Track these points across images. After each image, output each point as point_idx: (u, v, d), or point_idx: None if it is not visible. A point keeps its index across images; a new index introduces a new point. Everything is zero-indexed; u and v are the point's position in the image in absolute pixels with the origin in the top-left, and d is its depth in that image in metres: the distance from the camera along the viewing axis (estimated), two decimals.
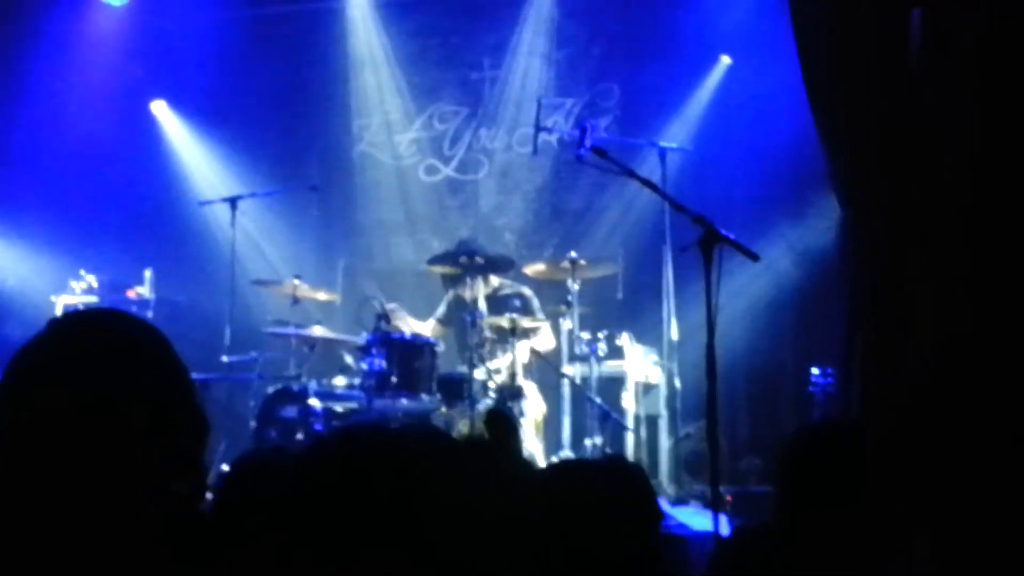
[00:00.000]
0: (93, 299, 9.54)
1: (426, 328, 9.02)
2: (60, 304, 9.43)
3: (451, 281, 9.13)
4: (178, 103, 11.33)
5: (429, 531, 1.52)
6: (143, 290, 9.84)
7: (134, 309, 9.53)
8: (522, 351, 8.38)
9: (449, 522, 1.54)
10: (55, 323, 1.99)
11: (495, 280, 9.03)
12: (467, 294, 8.85)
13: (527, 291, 9.03)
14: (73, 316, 2.03)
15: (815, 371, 7.77)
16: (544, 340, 8.82)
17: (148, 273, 9.88)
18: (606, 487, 2.63)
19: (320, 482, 1.51)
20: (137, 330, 2.01)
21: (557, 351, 8.79)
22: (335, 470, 1.53)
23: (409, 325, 8.83)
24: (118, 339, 1.96)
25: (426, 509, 1.53)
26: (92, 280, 9.69)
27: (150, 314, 9.61)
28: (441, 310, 9.26)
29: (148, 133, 11.24)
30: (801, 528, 2.78)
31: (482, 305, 8.68)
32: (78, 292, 9.61)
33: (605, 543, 2.48)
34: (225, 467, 7.93)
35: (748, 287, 9.10)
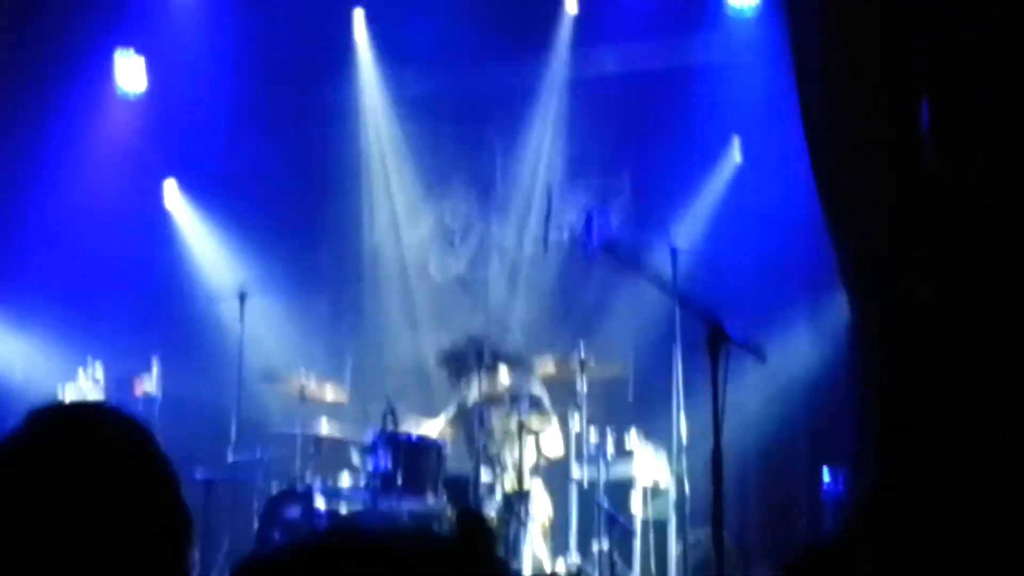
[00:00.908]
0: (100, 397, 9.47)
1: (435, 427, 8.92)
2: (68, 394, 9.36)
3: (458, 377, 9.05)
4: (190, 187, 11.33)
5: None
6: (149, 387, 9.74)
7: (141, 408, 9.48)
8: (530, 453, 8.27)
9: None
10: (30, 417, 1.93)
11: (504, 378, 8.93)
12: (475, 392, 8.75)
13: (537, 390, 8.93)
14: (50, 410, 1.96)
15: (827, 477, 7.64)
16: (553, 445, 8.70)
17: (155, 361, 9.77)
18: None
19: None
20: (116, 424, 1.95)
21: (566, 455, 8.67)
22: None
23: (419, 425, 8.75)
24: (95, 434, 1.91)
25: None
26: (99, 370, 9.61)
27: (156, 412, 9.56)
28: (451, 410, 9.17)
29: (159, 221, 11.23)
30: None
31: (490, 404, 8.57)
32: (85, 386, 9.53)
33: None
34: None
35: (760, 384, 9.00)
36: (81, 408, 2.06)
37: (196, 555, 8.15)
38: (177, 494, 1.94)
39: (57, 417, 1.95)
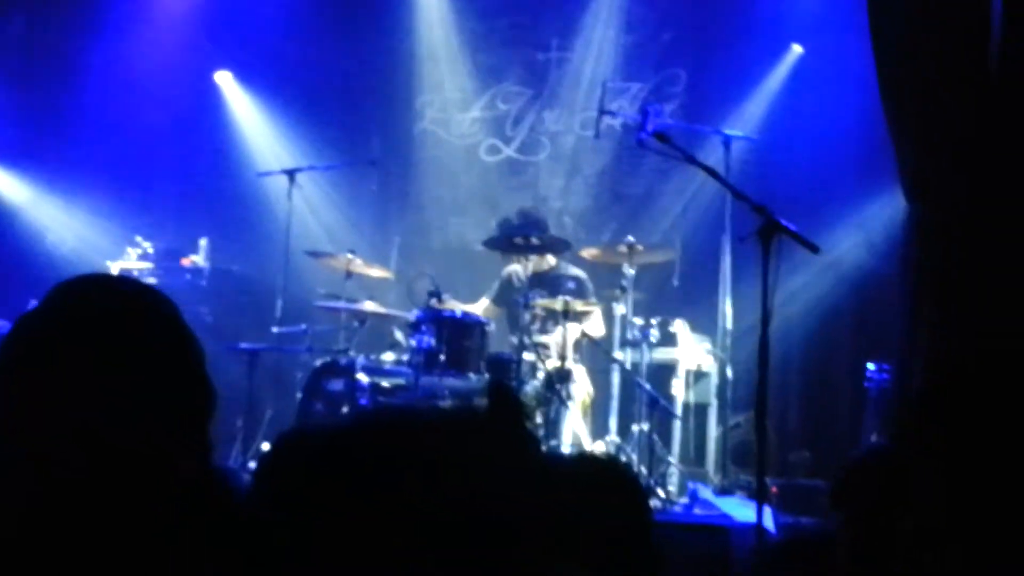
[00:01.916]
0: (148, 265, 9.60)
1: (478, 308, 8.95)
2: (116, 269, 9.47)
3: (505, 257, 9.07)
4: (242, 74, 11.31)
5: (473, 517, 1.47)
6: (198, 259, 9.87)
7: (188, 278, 9.59)
8: (572, 333, 8.27)
9: (492, 510, 1.49)
10: (56, 289, 1.92)
11: (550, 260, 8.93)
12: (521, 272, 8.75)
13: (582, 274, 8.91)
14: (75, 281, 1.96)
15: (871, 366, 7.64)
16: (595, 326, 8.71)
17: (203, 242, 9.93)
18: (601, 486, 2.55)
19: (351, 471, 1.45)
20: (140, 294, 1.95)
21: (609, 336, 8.69)
22: (369, 459, 1.46)
23: (459, 307, 8.78)
24: (119, 303, 1.91)
25: (468, 496, 1.47)
26: (148, 247, 9.75)
27: (204, 283, 9.66)
28: (494, 289, 9.19)
29: (211, 104, 11.23)
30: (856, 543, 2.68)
31: (535, 285, 8.58)
32: (134, 258, 9.66)
33: (599, 540, 2.41)
34: (266, 445, 7.94)
35: (807, 280, 8.97)
36: (105, 279, 2.01)
37: (240, 422, 8.29)
38: (199, 364, 1.92)
39: (82, 288, 1.95)
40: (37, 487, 1.77)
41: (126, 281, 2.01)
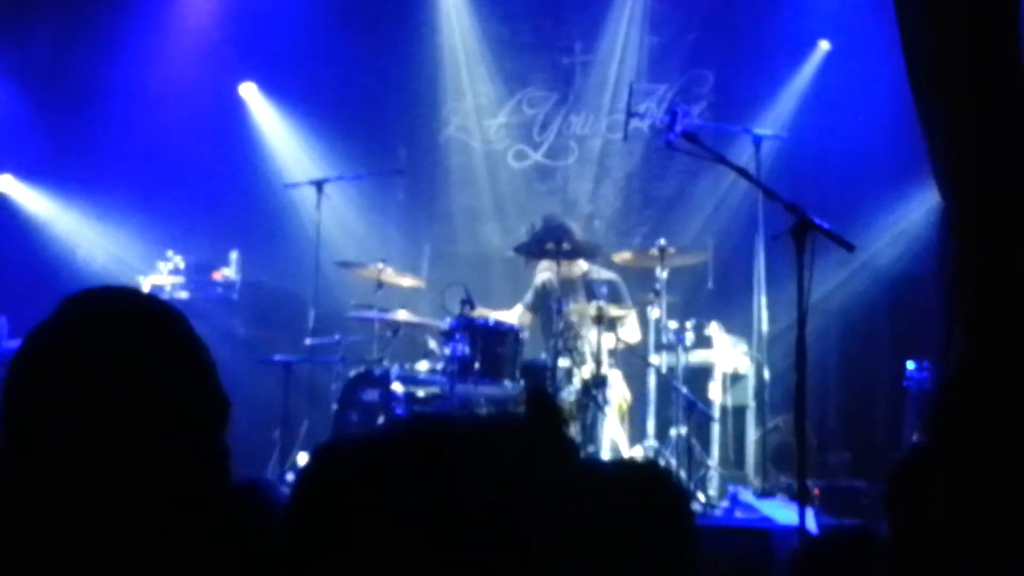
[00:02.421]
0: (179, 280, 9.63)
1: (513, 315, 8.93)
2: (147, 284, 9.50)
3: (536, 264, 9.04)
4: (267, 85, 11.35)
5: (513, 526, 1.44)
6: (229, 272, 9.89)
7: (220, 291, 9.61)
8: (608, 339, 8.24)
9: (531, 518, 1.46)
10: (66, 301, 1.91)
11: (582, 265, 8.91)
12: (554, 279, 8.72)
13: (615, 277, 8.88)
14: (85, 294, 1.95)
15: (910, 365, 7.58)
16: (630, 331, 8.68)
17: (234, 255, 9.95)
18: (642, 491, 2.51)
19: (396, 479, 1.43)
20: (149, 306, 1.94)
21: (644, 340, 8.65)
22: (412, 466, 1.44)
23: (494, 315, 8.77)
24: (128, 316, 1.90)
25: (508, 505, 1.45)
26: (179, 261, 9.78)
27: (235, 296, 9.68)
28: (529, 296, 9.15)
29: (237, 115, 11.26)
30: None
31: (568, 291, 8.55)
32: (165, 273, 9.69)
33: (637, 550, 2.37)
34: (302, 457, 7.93)
35: (843, 280, 8.92)
36: (115, 291, 1.99)
37: (276, 434, 8.30)
38: (211, 376, 1.91)
39: (92, 300, 1.94)
40: (45, 495, 1.75)
41: (133, 292, 2.00)
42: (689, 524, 2.54)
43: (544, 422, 1.65)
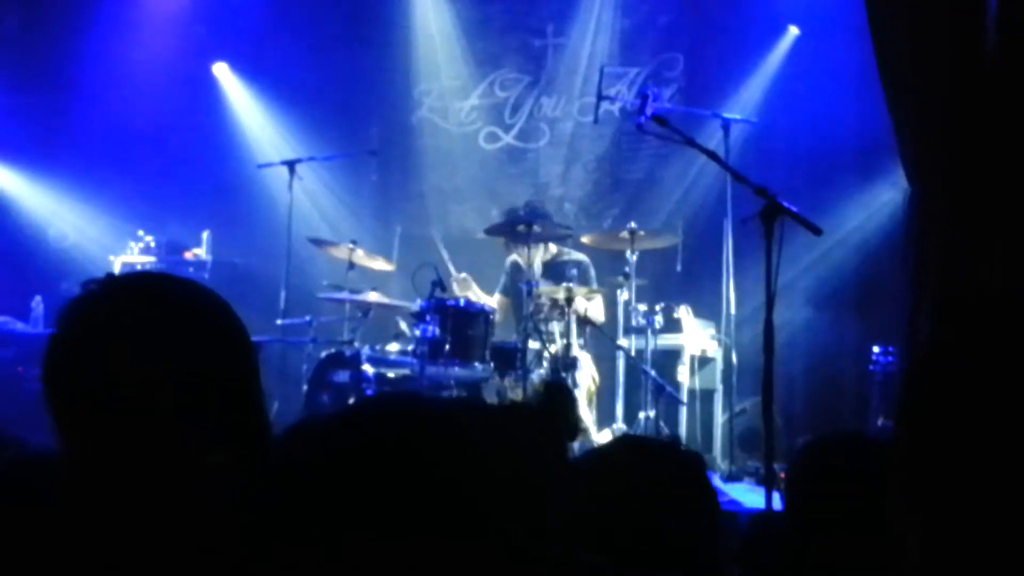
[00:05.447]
0: (151, 259, 9.60)
1: (492, 302, 8.93)
2: (118, 263, 9.49)
3: (507, 246, 9.06)
4: (240, 66, 11.32)
5: (481, 505, 1.46)
6: (200, 252, 9.89)
7: (191, 271, 9.61)
8: (574, 317, 8.27)
9: (502, 497, 1.49)
10: (111, 281, 1.91)
11: (553, 247, 8.94)
12: (521, 261, 8.75)
13: (585, 258, 8.91)
14: (131, 276, 1.96)
15: (876, 349, 7.65)
16: (595, 309, 8.71)
17: (206, 235, 9.95)
18: (667, 468, 2.47)
19: (360, 457, 1.45)
20: (195, 293, 1.95)
21: (613, 323, 8.68)
22: (376, 443, 1.47)
23: (477, 296, 8.79)
24: (175, 300, 1.90)
25: (478, 484, 1.47)
26: (150, 240, 9.76)
27: (207, 276, 9.68)
28: (502, 281, 9.18)
29: (210, 95, 11.23)
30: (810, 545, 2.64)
31: (538, 270, 8.58)
32: (136, 252, 9.67)
33: (662, 525, 2.35)
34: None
35: (810, 264, 8.98)
36: (161, 276, 1.99)
37: None
38: (255, 364, 1.94)
39: (140, 282, 1.97)
40: (84, 481, 1.78)
41: (181, 280, 1.98)
42: (713, 509, 2.49)
43: (557, 408, 1.69)
